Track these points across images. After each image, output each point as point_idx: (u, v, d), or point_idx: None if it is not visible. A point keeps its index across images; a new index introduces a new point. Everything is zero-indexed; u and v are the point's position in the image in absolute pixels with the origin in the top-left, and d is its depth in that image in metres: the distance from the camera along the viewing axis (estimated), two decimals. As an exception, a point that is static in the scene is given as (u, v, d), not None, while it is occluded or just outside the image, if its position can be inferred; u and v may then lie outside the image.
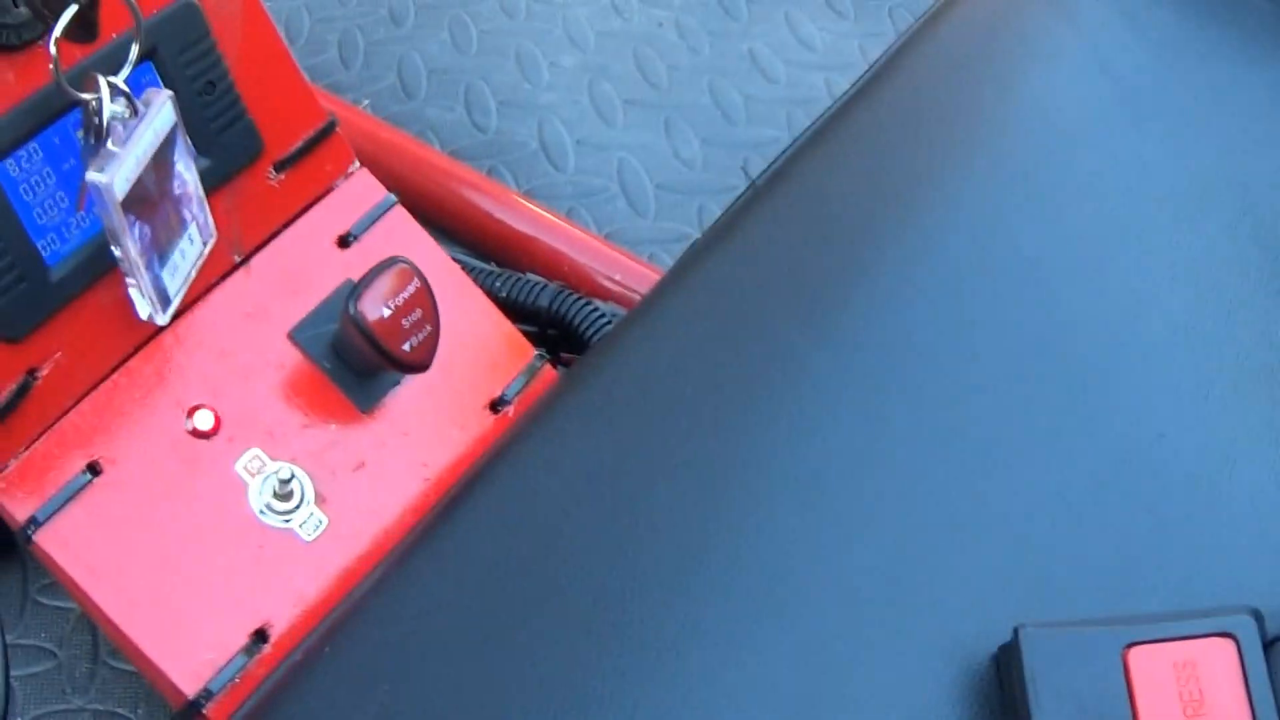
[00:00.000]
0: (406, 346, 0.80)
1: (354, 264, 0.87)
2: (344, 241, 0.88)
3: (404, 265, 0.81)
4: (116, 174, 0.70)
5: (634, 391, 0.72)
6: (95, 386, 0.79)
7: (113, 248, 0.73)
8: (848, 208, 0.84)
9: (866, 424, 0.69)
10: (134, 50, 0.73)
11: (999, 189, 0.84)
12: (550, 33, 1.49)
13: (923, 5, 1.55)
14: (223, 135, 0.82)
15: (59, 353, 0.77)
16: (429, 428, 0.85)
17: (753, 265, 0.81)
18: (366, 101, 1.39)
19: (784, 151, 0.90)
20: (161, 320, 0.78)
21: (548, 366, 0.91)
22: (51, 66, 0.70)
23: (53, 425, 0.78)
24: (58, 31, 0.70)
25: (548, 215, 1.23)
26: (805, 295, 0.78)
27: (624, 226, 1.27)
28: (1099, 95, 0.92)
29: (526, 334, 0.92)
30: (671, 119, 1.39)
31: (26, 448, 0.76)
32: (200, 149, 0.80)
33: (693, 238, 1.25)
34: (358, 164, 0.91)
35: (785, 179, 0.87)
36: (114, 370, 0.80)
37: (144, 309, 0.77)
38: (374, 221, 0.89)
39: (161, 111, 0.74)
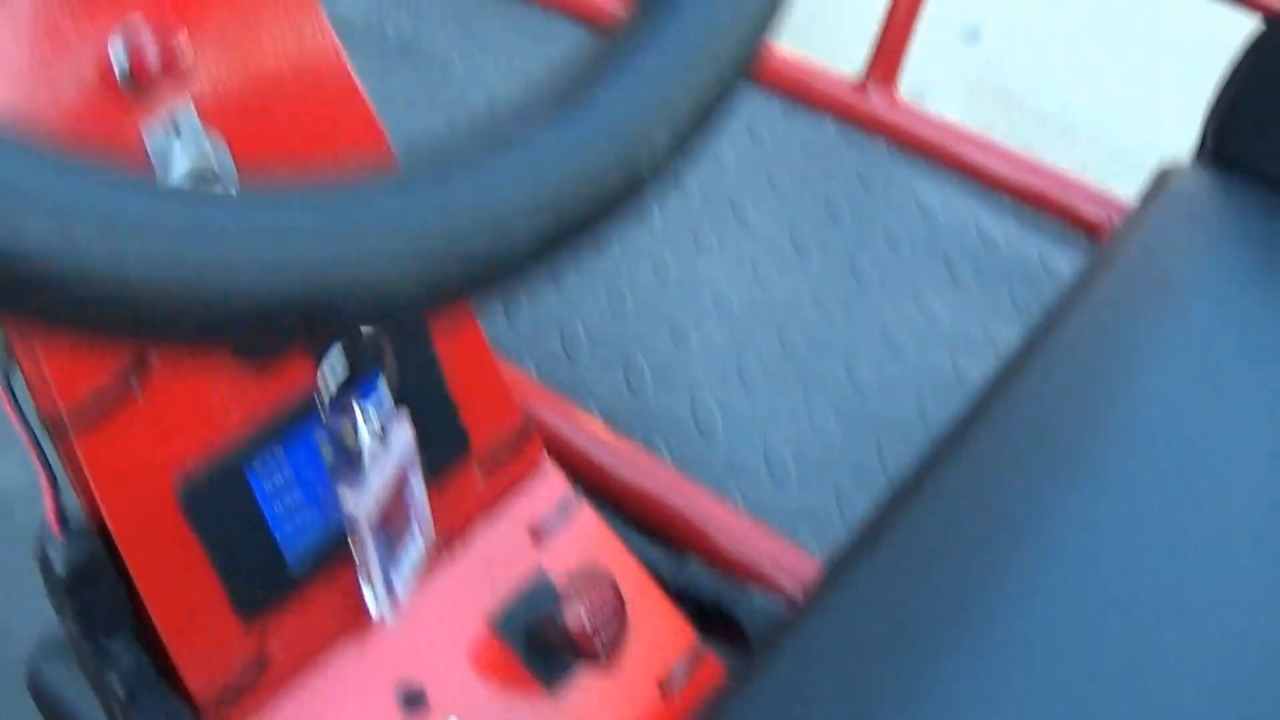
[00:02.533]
0: (598, 643, 0.91)
1: (546, 555, 0.98)
2: (536, 532, 0.99)
3: (603, 580, 0.92)
4: (364, 495, 0.82)
5: (802, 691, 0.82)
6: (316, 663, 0.91)
7: (355, 554, 0.85)
8: (977, 521, 0.94)
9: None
10: (383, 385, 0.85)
11: (1116, 500, 0.95)
12: (699, 302, 1.60)
13: (1039, 278, 1.65)
14: (436, 437, 0.94)
15: (289, 634, 0.89)
16: (607, 707, 0.96)
17: (893, 582, 0.91)
18: (532, 365, 1.50)
19: (919, 460, 1.01)
20: (390, 619, 0.90)
21: (709, 652, 1.01)
22: (316, 399, 0.83)
23: (279, 699, 0.89)
24: (324, 366, 0.83)
25: (700, 492, 1.34)
26: (946, 605, 0.89)
27: (767, 501, 1.36)
28: (1207, 401, 1.02)
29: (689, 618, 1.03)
30: (810, 393, 1.48)
31: None
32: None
33: (829, 513, 1.36)
34: (547, 457, 1.03)
35: (920, 491, 0.97)
36: (333, 648, 0.91)
37: (376, 608, 0.88)
38: (562, 514, 1.01)
39: (403, 436, 0.86)
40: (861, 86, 1.92)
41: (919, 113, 1.92)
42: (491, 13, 2.18)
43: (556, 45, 2.10)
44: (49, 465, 0.79)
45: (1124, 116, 2.73)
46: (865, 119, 1.91)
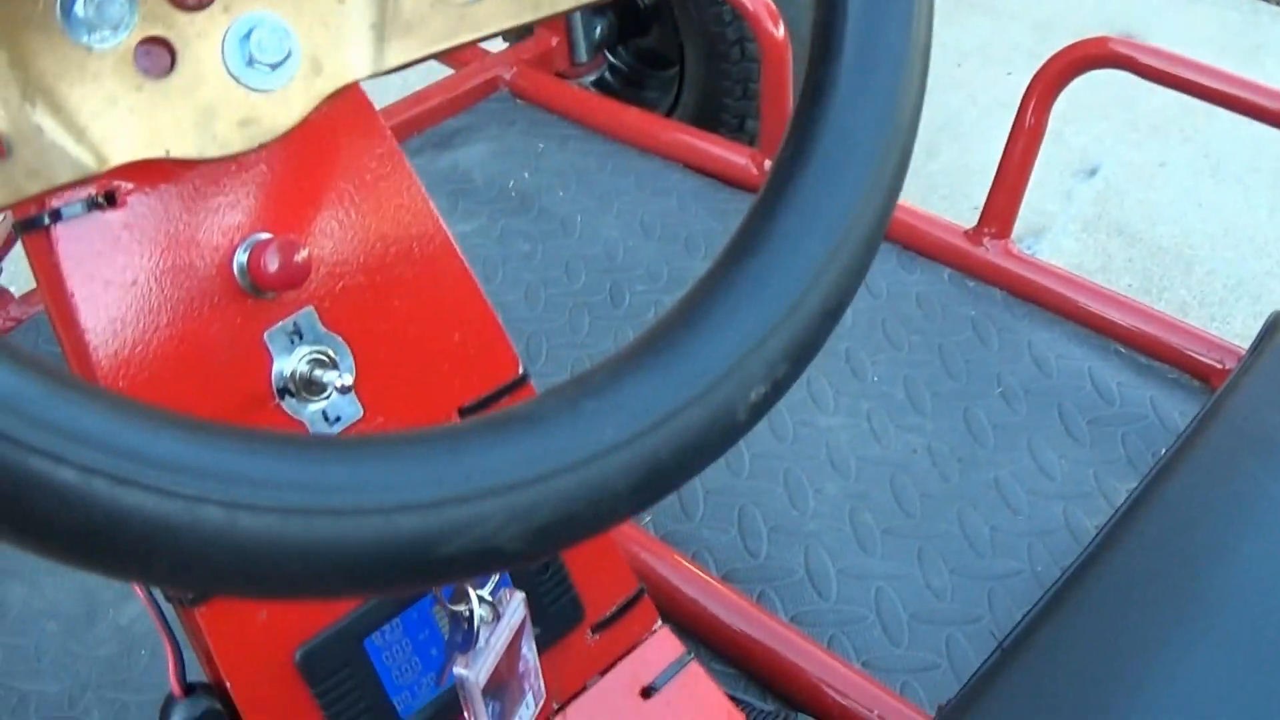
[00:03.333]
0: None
1: (656, 713, 1.01)
2: (647, 692, 1.02)
3: None
4: (480, 669, 0.86)
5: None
6: None
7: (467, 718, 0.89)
8: (1084, 676, 0.96)
9: None
10: (496, 576, 0.89)
11: (1219, 659, 0.96)
12: (815, 457, 1.63)
13: (1152, 428, 1.66)
14: (552, 607, 0.97)
15: None
16: None
17: None
18: (648, 519, 1.54)
19: (1028, 611, 1.03)
20: (504, 781, 0.93)
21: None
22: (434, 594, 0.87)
23: None
24: None
25: (812, 646, 1.36)
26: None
27: (880, 655, 1.38)
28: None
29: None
30: (924, 549, 1.50)
31: None
32: (533, 620, 0.95)
33: (940, 666, 1.37)
34: (660, 622, 1.06)
35: (1030, 641, 0.99)
36: None
37: (489, 769, 0.92)
38: (673, 675, 1.03)
39: (516, 610, 0.90)
40: (976, 236, 1.95)
41: (1033, 261, 1.94)
42: (610, 166, 2.25)
43: (673, 198, 2.16)
44: (170, 630, 0.82)
45: (1241, 249, 2.74)
46: (981, 268, 1.94)
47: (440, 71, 2.51)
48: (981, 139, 3.01)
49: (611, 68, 2.74)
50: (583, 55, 2.59)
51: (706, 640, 1.37)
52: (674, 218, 2.13)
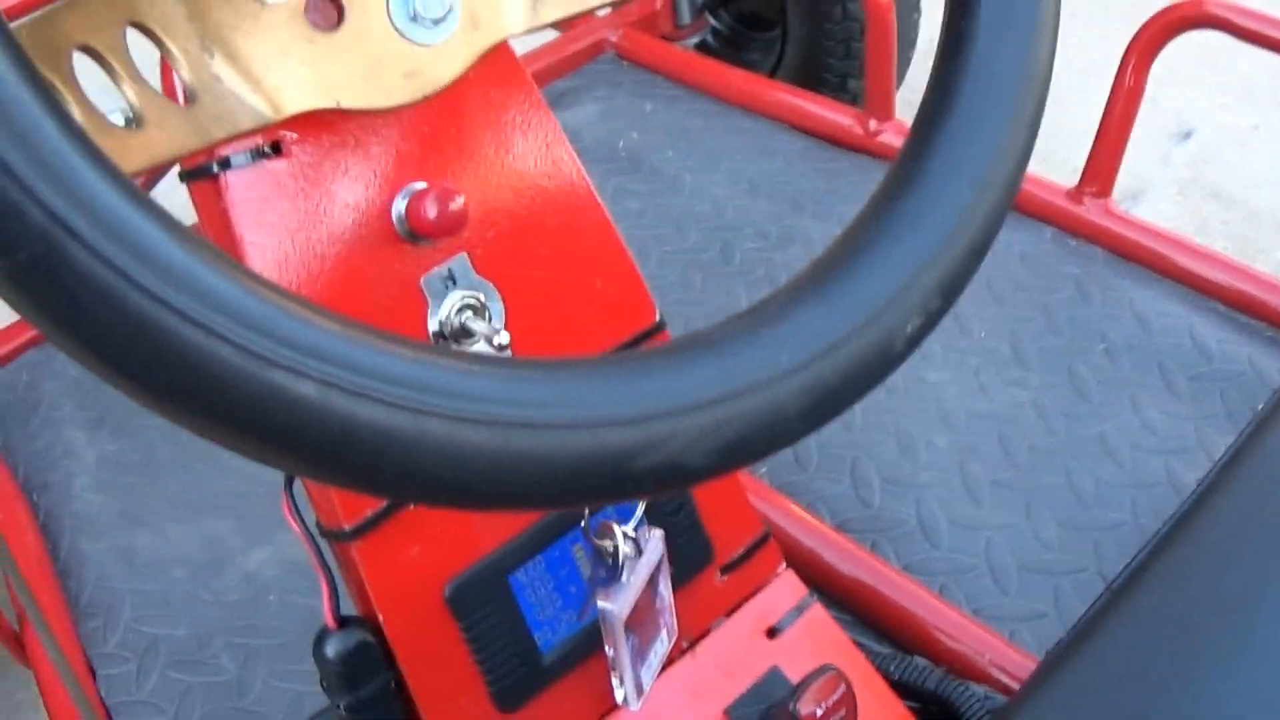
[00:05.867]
0: (832, 738, 0.98)
1: (781, 652, 1.06)
2: (772, 633, 1.07)
3: (834, 673, 0.99)
4: (623, 603, 0.91)
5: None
6: None
7: (607, 651, 0.94)
8: (1186, 622, 1.00)
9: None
10: (639, 506, 0.94)
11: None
12: (925, 411, 1.66)
13: (1251, 384, 1.68)
14: (685, 548, 1.01)
15: None
16: None
17: (1109, 673, 0.97)
18: (764, 469, 1.58)
19: (1133, 559, 1.06)
20: (635, 707, 0.98)
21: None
22: (582, 518, 0.92)
23: None
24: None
25: (925, 593, 1.41)
26: (1156, 701, 0.94)
27: (990, 604, 1.41)
28: None
29: (912, 709, 1.09)
30: (1032, 501, 1.53)
31: None
32: (668, 560, 0.99)
33: (1048, 615, 1.41)
34: (785, 565, 1.10)
35: (1136, 588, 1.03)
36: None
37: (625, 699, 0.96)
38: (798, 616, 1.08)
39: (655, 547, 0.95)
40: (1078, 195, 1.97)
41: (1133, 220, 1.96)
42: (717, 126, 2.28)
43: (778, 159, 2.19)
44: (326, 566, 0.87)
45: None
46: (1082, 227, 1.96)
47: (547, 35, 2.55)
48: (1080, 103, 3.01)
49: (714, 30, 2.77)
50: (685, 18, 2.61)
51: (823, 587, 1.40)
52: (780, 177, 2.16)
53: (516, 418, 0.49)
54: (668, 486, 0.54)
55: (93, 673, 1.46)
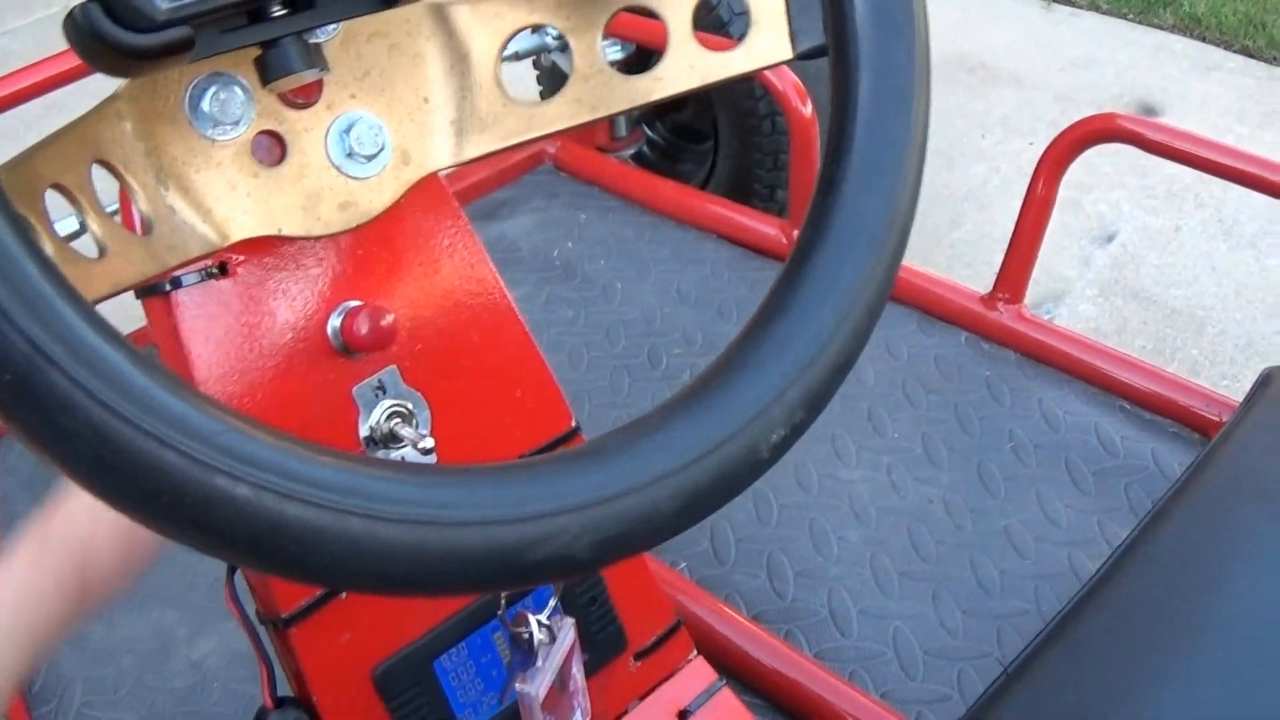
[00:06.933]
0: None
1: None
2: (683, 715, 1.13)
3: None
4: (539, 686, 0.98)
5: None
6: None
7: (529, 736, 1.01)
8: (1083, 699, 1.07)
9: None
10: (553, 597, 1.01)
11: (1206, 688, 1.07)
12: (839, 508, 1.74)
13: (1153, 478, 1.76)
14: (599, 636, 1.08)
15: None
16: None
17: None
18: (684, 564, 1.65)
19: (1029, 644, 1.14)
20: (561, 789, 1.04)
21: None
22: (498, 610, 0.99)
23: None
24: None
25: (834, 679, 1.47)
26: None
27: (896, 688, 1.48)
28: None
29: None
30: (939, 591, 1.60)
31: None
32: (582, 647, 1.04)
33: (952, 698, 1.48)
34: (696, 652, 1.17)
35: (1027, 676, 1.10)
36: None
37: (546, 776, 1.03)
38: (708, 699, 1.15)
39: (567, 633, 1.02)
40: (991, 301, 2.07)
41: (1044, 324, 2.06)
42: (648, 236, 2.37)
43: (705, 267, 2.29)
44: (264, 650, 0.93)
45: (1252, 310, 2.85)
46: (995, 331, 2.06)
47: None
48: (1004, 208, 3.11)
49: (649, 142, 2.86)
50: (622, 130, 2.72)
51: (739, 675, 1.48)
52: (708, 285, 2.25)
53: (425, 516, 0.57)
54: (560, 576, 0.62)
55: None
